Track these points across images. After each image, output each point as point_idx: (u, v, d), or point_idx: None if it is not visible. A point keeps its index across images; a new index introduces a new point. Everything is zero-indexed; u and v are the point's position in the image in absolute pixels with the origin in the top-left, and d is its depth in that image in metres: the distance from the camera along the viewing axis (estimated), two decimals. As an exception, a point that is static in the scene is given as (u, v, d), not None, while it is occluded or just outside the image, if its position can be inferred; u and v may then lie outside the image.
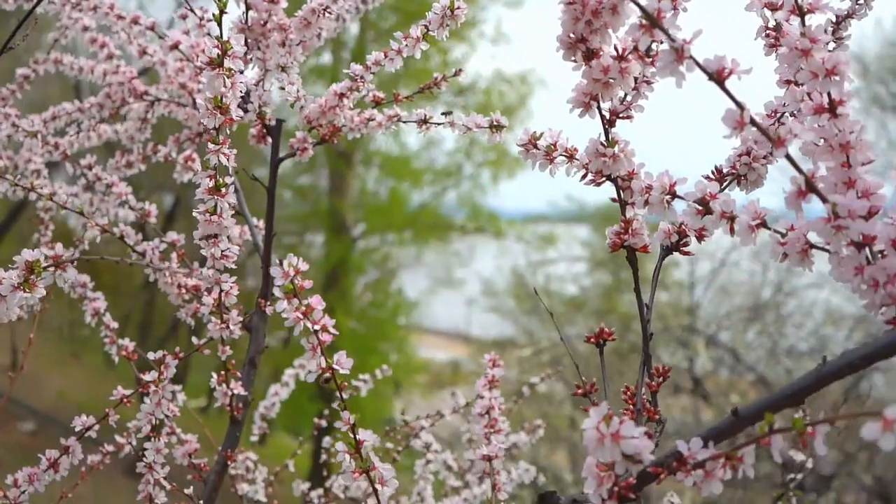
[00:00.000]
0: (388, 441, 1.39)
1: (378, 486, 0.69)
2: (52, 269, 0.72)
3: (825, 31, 0.77)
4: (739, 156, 0.74)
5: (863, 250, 0.55)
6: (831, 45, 0.78)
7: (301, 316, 0.66)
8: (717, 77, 0.54)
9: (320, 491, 1.41)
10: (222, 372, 1.01)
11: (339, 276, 10.71)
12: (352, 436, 0.69)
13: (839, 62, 0.56)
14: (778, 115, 0.75)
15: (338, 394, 0.69)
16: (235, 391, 1.02)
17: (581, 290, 10.11)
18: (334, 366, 0.67)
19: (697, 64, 0.54)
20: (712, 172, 0.74)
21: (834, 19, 0.79)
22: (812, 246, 0.59)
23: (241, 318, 0.97)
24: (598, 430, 0.53)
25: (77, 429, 0.96)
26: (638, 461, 0.54)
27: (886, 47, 9.23)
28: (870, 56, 9.15)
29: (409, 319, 11.50)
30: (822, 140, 0.60)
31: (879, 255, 0.56)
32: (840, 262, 0.55)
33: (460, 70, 1.06)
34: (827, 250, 0.58)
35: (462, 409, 1.51)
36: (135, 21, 1.13)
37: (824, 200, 0.55)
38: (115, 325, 1.14)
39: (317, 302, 0.67)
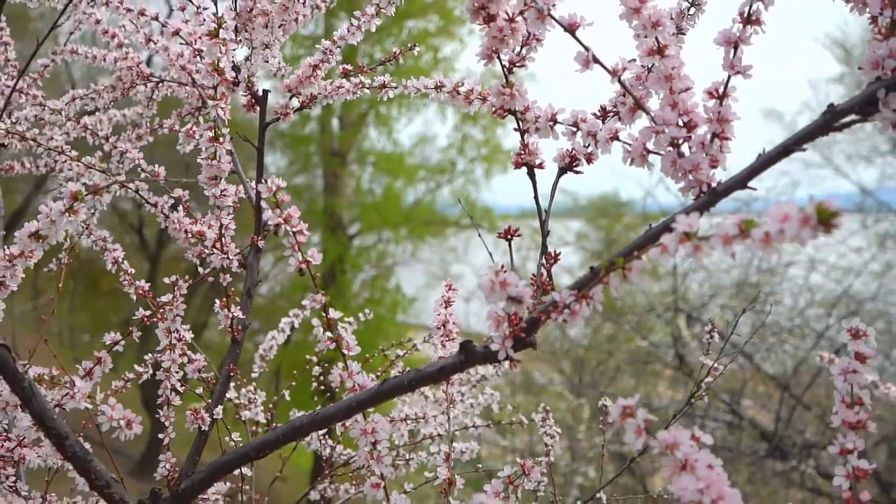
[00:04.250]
0: (367, 371, 1.61)
1: (345, 352, 0.91)
2: (91, 195, 0.94)
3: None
4: (618, 96, 0.96)
5: (676, 149, 0.77)
6: (692, 10, 0.99)
7: (282, 221, 0.88)
8: (570, 28, 0.76)
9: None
10: (224, 298, 1.23)
11: (337, 274, 10.91)
12: (324, 314, 0.91)
13: (661, 16, 0.78)
14: (647, 68, 0.97)
15: (311, 282, 0.91)
16: (236, 315, 1.24)
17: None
18: (308, 258, 0.89)
19: (555, 19, 0.76)
20: (599, 109, 0.96)
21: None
22: (649, 151, 0.81)
23: (238, 251, 1.19)
24: (491, 280, 0.75)
25: (107, 343, 1.17)
26: (519, 302, 0.75)
27: (870, 33, 9.40)
28: (853, 42, 9.33)
29: (407, 316, 11.69)
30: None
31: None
32: (662, 158, 0.77)
33: (415, 44, 1.28)
34: (658, 153, 0.80)
35: (430, 339, 1.73)
36: (141, 13, 1.35)
37: (648, 114, 0.77)
38: (132, 270, 1.35)
39: (294, 211, 0.89)
